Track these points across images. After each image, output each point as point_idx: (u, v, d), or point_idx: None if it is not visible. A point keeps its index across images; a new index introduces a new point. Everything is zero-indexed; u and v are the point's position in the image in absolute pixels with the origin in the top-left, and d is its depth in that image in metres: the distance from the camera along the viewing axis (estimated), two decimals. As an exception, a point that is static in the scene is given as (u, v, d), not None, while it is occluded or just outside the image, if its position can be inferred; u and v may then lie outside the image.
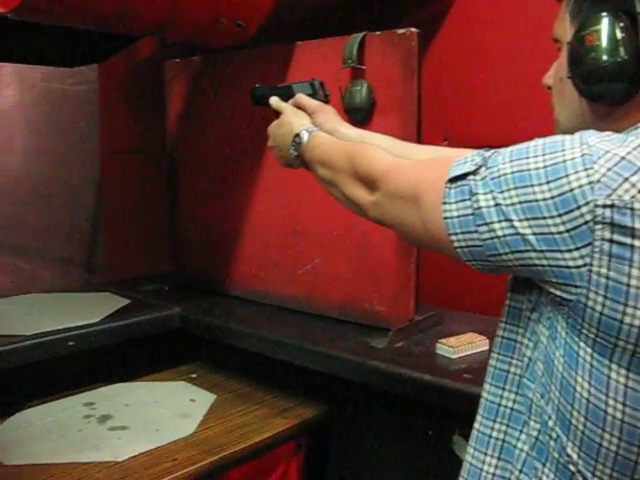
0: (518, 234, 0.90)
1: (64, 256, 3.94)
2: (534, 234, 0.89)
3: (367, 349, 2.01)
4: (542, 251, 0.89)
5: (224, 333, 2.33)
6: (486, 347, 1.99)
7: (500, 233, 0.92)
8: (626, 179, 0.84)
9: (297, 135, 1.43)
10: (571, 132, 1.02)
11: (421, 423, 1.97)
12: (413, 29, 2.04)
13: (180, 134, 2.77)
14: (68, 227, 3.91)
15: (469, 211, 0.95)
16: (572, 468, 0.93)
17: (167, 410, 2.13)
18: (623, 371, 0.87)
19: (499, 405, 1.06)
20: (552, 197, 0.87)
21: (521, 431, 1.02)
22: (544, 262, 0.90)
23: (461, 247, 0.98)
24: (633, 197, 0.83)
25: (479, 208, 0.94)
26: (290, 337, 2.14)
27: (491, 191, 0.93)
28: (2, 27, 1.83)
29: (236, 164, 2.54)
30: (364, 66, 2.11)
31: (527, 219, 0.89)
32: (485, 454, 1.07)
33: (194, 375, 2.44)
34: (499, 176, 0.93)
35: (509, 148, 0.96)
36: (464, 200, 0.96)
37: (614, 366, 0.87)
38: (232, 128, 2.54)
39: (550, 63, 1.15)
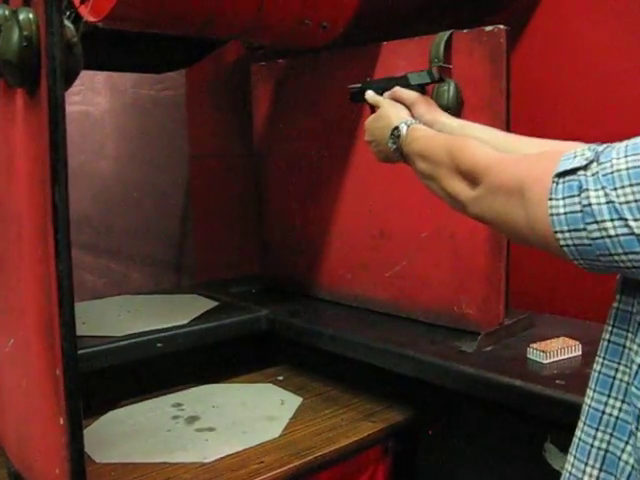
0: (633, 234, 0.85)
1: (154, 258, 4.02)
2: None
3: (456, 353, 1.98)
4: None
5: (311, 336, 2.33)
6: (579, 352, 1.93)
7: (612, 232, 0.87)
8: None
9: (396, 128, 1.39)
10: None
11: (511, 429, 1.92)
12: (501, 26, 1.99)
13: (267, 136, 2.78)
14: (158, 230, 4.00)
15: (577, 208, 0.90)
16: None
17: (254, 412, 2.14)
18: None
19: (603, 413, 1.00)
20: None
21: (627, 442, 0.96)
22: None
23: (567, 245, 0.93)
24: None
25: (589, 205, 0.89)
26: (377, 340, 2.13)
27: (603, 187, 0.88)
28: (94, 36, 1.88)
29: (323, 166, 2.54)
30: (451, 65, 2.08)
31: None
32: (586, 464, 1.01)
33: (281, 377, 2.44)
34: (612, 172, 0.87)
35: (624, 142, 0.90)
36: (572, 196, 0.91)
37: None
38: (319, 130, 2.54)
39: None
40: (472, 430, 2.05)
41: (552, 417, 1.70)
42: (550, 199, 0.93)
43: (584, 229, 0.90)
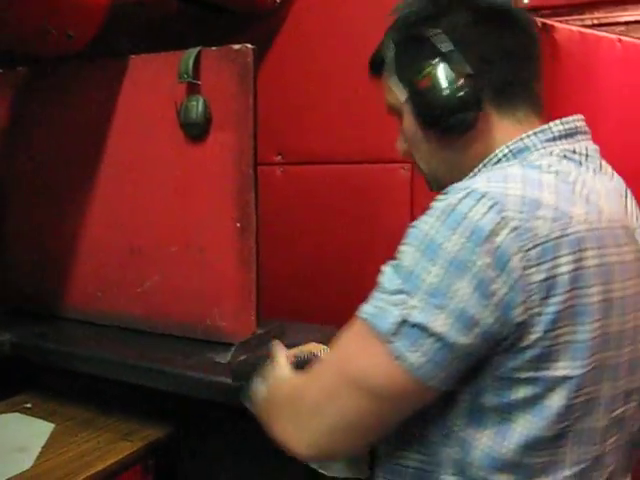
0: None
1: None
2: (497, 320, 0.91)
3: (210, 365, 1.99)
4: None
5: (60, 357, 2.21)
6: (325, 355, 2.02)
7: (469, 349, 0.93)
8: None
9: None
10: (442, 177, 1.13)
11: (267, 434, 1.97)
12: (249, 45, 2.05)
13: (6, 150, 2.63)
14: None
15: (438, 345, 0.91)
16: None
17: (1, 445, 2.00)
18: None
19: None
20: (488, 262, 0.89)
21: None
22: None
23: (447, 385, 0.95)
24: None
25: (442, 339, 0.90)
26: (131, 357, 2.09)
27: (441, 308, 0.89)
28: None
29: (69, 180, 2.44)
30: (200, 81, 2.10)
31: (482, 297, 0.89)
32: None
33: (29, 405, 2.29)
34: (436, 288, 0.90)
35: (415, 250, 0.93)
36: (420, 341, 0.91)
37: None
38: (62, 142, 2.44)
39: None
40: (231, 438, 2.08)
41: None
42: (397, 359, 0.92)
43: (455, 359, 0.93)
